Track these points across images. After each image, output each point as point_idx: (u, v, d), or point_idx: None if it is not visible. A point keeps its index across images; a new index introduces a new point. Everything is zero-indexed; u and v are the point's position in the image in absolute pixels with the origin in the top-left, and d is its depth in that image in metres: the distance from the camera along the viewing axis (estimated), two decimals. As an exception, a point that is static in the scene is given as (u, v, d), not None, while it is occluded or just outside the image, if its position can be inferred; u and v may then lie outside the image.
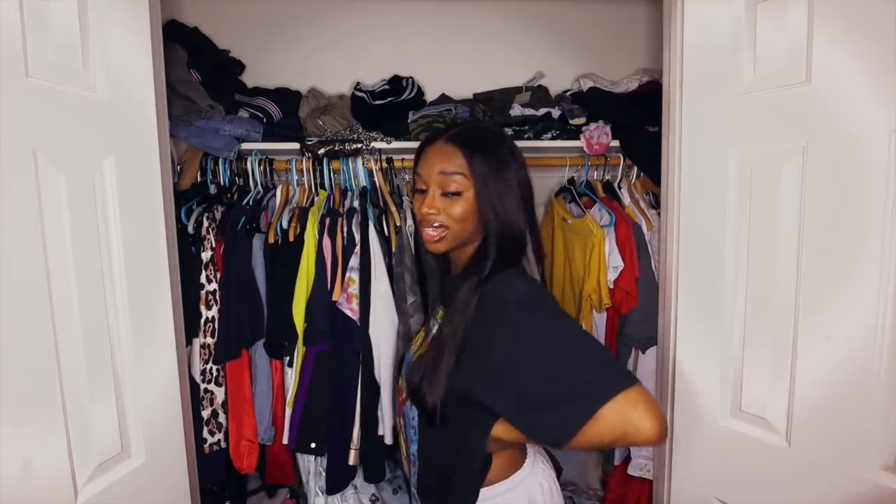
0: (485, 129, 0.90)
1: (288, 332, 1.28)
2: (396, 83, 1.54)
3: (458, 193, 0.81)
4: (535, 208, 0.90)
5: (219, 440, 1.27)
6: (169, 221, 0.94)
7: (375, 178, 1.41)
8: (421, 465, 0.87)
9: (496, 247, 0.82)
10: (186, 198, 1.33)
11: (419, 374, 0.81)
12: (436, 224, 0.83)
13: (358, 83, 1.59)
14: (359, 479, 1.42)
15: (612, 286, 1.32)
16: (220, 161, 1.40)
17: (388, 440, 1.29)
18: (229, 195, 1.42)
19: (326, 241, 1.28)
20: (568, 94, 1.59)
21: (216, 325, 1.24)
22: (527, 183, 0.86)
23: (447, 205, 0.82)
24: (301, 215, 1.31)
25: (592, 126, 1.42)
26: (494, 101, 1.51)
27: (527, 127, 1.46)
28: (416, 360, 0.86)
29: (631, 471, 1.38)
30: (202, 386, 1.24)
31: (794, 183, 0.82)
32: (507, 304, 0.76)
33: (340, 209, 1.35)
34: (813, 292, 0.81)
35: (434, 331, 0.88)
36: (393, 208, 1.35)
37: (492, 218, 0.82)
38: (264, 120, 1.42)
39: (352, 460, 1.30)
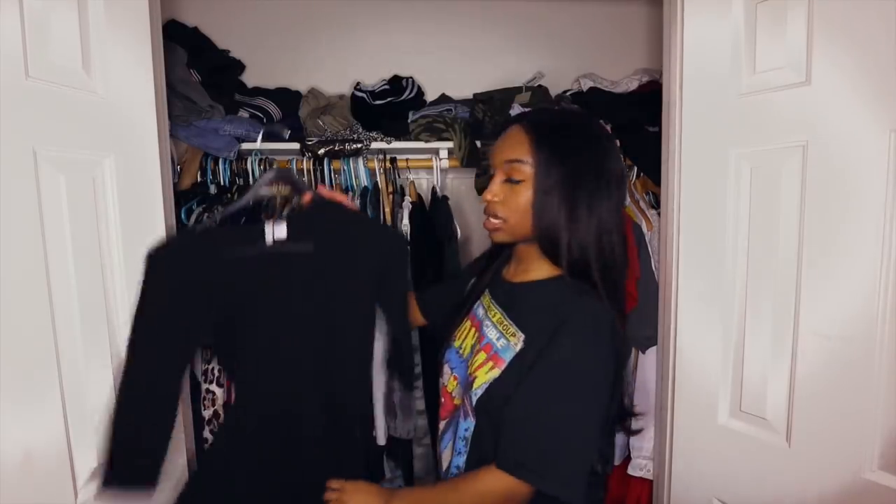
0: (567, 116, 0.80)
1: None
2: (396, 83, 1.54)
3: (519, 181, 0.76)
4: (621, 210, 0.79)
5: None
6: (169, 221, 0.94)
7: (378, 179, 1.41)
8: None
9: (578, 255, 0.75)
10: (186, 198, 1.33)
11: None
12: (496, 213, 0.79)
13: (358, 83, 1.59)
14: (359, 479, 1.42)
15: (612, 286, 1.32)
16: (220, 161, 1.40)
17: (381, 441, 1.29)
18: (229, 195, 1.41)
19: (326, 242, 1.28)
20: (568, 94, 1.59)
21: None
22: (603, 181, 0.75)
23: (509, 194, 0.77)
24: (301, 215, 1.31)
25: (592, 126, 1.42)
26: (494, 101, 1.51)
27: (527, 127, 1.46)
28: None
29: (631, 471, 1.37)
30: (204, 386, 1.24)
31: (794, 182, 0.82)
32: (576, 336, 0.73)
33: (340, 209, 1.35)
34: (814, 292, 0.81)
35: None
36: (387, 209, 1.35)
37: (547, 214, 0.75)
38: (264, 120, 1.42)
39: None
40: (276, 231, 0.91)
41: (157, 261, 0.83)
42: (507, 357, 0.76)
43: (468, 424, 0.79)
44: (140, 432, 0.82)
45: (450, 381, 0.87)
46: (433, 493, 0.80)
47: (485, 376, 0.77)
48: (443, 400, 0.87)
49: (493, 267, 0.92)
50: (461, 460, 0.81)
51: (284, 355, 0.91)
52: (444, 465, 0.85)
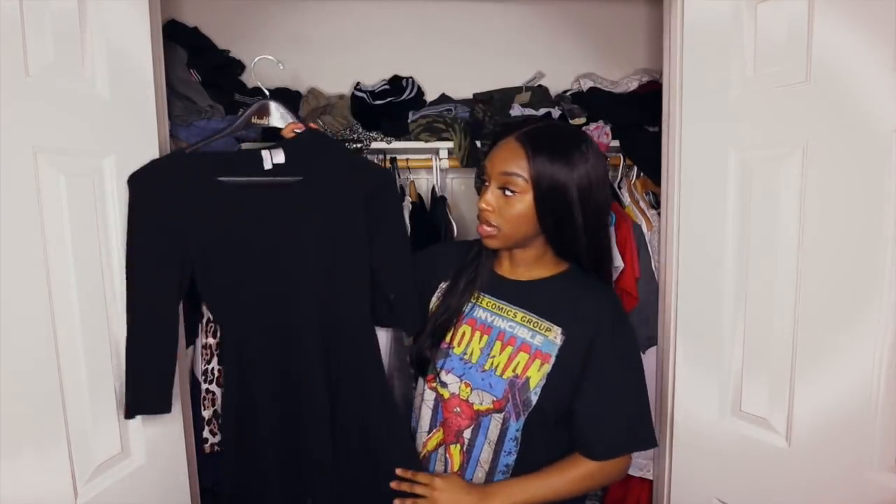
0: (560, 131, 0.85)
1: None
2: (396, 83, 1.54)
3: (514, 193, 0.80)
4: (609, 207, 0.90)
5: (220, 440, 1.26)
6: (169, 221, 0.93)
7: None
8: (516, 474, 0.86)
9: (584, 252, 0.85)
10: (186, 198, 1.32)
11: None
12: (489, 222, 0.83)
13: (358, 83, 1.59)
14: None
15: (612, 286, 1.32)
16: (221, 157, 1.40)
17: None
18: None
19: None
20: (568, 94, 1.59)
21: (218, 326, 1.24)
22: (595, 189, 0.81)
23: (503, 204, 0.81)
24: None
25: (592, 126, 1.42)
26: (494, 101, 1.51)
27: (527, 127, 1.46)
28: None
29: (631, 471, 1.37)
30: (204, 386, 1.24)
31: (794, 182, 0.82)
32: (620, 323, 0.85)
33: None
34: (814, 290, 0.81)
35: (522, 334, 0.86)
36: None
37: (553, 223, 0.81)
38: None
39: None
40: (275, 156, 0.93)
41: (142, 184, 0.84)
42: (552, 351, 0.83)
43: (518, 425, 0.83)
44: (145, 360, 0.85)
45: (461, 388, 0.87)
46: (527, 487, 0.83)
47: (538, 374, 0.83)
48: (458, 409, 0.87)
49: (481, 272, 0.92)
50: (511, 459, 0.85)
51: (278, 282, 0.93)
52: (486, 466, 0.86)
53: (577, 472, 0.83)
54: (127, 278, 0.83)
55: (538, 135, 0.81)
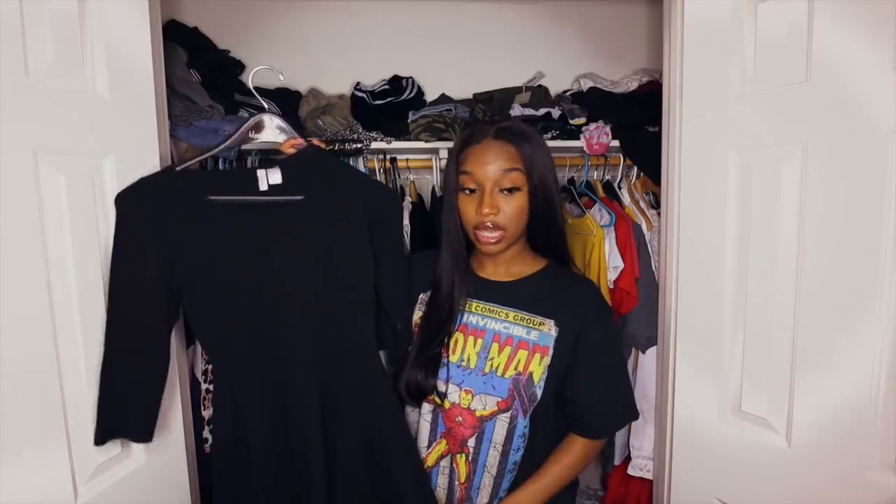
0: (521, 124, 0.88)
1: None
2: (396, 83, 1.54)
3: (516, 189, 0.82)
4: None
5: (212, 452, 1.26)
6: (169, 221, 0.93)
7: (378, 178, 1.41)
8: (520, 475, 0.87)
9: (558, 242, 0.90)
10: (186, 198, 1.32)
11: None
12: (491, 225, 0.81)
13: (358, 83, 1.58)
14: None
15: (611, 286, 1.32)
16: (221, 161, 1.40)
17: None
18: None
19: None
20: (568, 94, 1.59)
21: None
22: (552, 168, 0.88)
23: (504, 204, 0.82)
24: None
25: (592, 126, 1.42)
26: (494, 101, 1.51)
27: (527, 127, 1.46)
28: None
29: (631, 471, 1.37)
30: (204, 386, 1.24)
31: (794, 182, 0.82)
32: (605, 311, 0.90)
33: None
34: (814, 289, 0.81)
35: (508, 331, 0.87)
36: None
37: (542, 212, 0.85)
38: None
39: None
40: (271, 176, 0.88)
41: (129, 202, 0.79)
42: (550, 343, 0.85)
43: (526, 422, 0.86)
44: (127, 385, 0.78)
45: (462, 397, 0.86)
46: (540, 486, 0.86)
47: (539, 368, 0.85)
48: (460, 419, 0.87)
49: (464, 280, 0.90)
50: (518, 455, 0.87)
51: (271, 313, 0.86)
52: (493, 470, 0.87)
53: (576, 454, 0.88)
54: (108, 299, 0.78)
55: (508, 128, 0.84)
